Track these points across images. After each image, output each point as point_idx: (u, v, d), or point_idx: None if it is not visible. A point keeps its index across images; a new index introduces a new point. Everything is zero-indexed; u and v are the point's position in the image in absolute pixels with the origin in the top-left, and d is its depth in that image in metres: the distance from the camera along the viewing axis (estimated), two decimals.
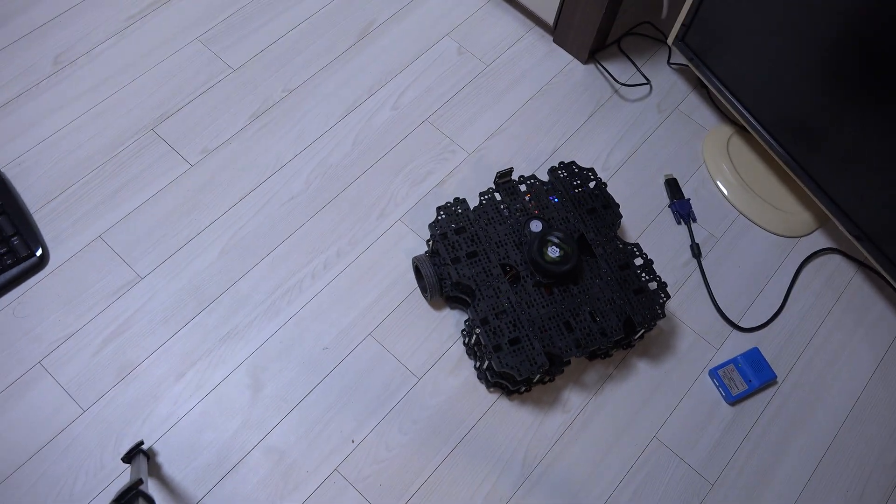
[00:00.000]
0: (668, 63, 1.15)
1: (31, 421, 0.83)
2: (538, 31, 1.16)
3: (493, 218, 0.86)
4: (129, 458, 0.79)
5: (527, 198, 0.88)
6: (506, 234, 0.85)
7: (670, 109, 1.11)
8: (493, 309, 0.81)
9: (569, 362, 0.88)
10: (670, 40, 1.03)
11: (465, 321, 0.89)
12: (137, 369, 0.86)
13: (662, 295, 0.84)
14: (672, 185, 1.03)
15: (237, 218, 0.97)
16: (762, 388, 0.92)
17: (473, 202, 0.99)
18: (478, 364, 0.89)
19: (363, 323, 0.91)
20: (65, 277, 0.91)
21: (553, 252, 0.81)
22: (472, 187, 1.01)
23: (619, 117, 1.09)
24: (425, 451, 0.85)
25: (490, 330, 0.79)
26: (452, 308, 0.93)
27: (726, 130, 1.09)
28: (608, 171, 1.05)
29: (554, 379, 0.90)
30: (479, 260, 0.83)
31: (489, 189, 0.88)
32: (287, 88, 1.07)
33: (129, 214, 0.96)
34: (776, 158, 0.97)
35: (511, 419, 0.88)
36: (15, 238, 0.91)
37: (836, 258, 1.02)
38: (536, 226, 0.85)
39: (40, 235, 0.93)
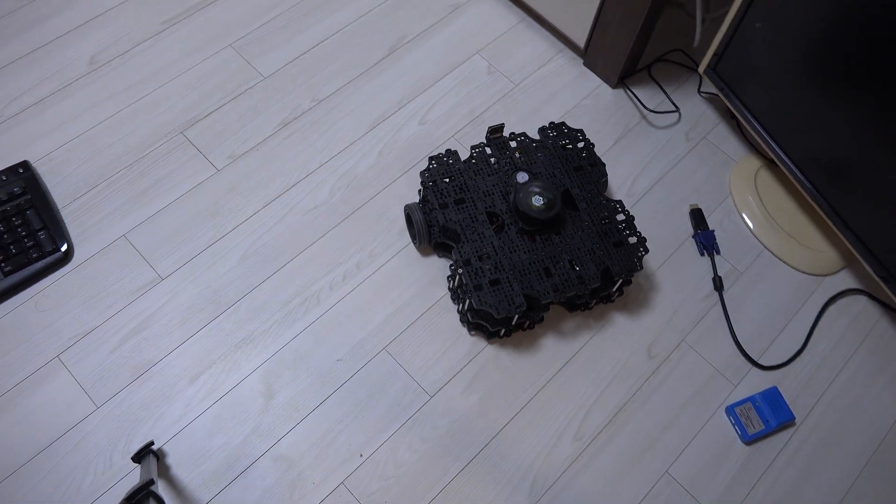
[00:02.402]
0: (699, 91, 1.14)
1: (44, 414, 0.83)
2: (568, 53, 1.16)
3: (481, 169, 0.91)
4: (138, 457, 0.79)
5: (517, 154, 0.92)
6: (493, 185, 0.90)
7: (698, 138, 1.10)
8: (477, 252, 0.85)
9: (547, 308, 0.88)
10: (701, 69, 1.03)
11: (451, 265, 0.91)
12: (153, 369, 0.87)
13: (641, 249, 0.88)
14: (697, 216, 1.02)
15: (260, 224, 0.97)
16: (779, 428, 0.90)
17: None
18: (460, 307, 0.91)
19: (378, 337, 0.91)
20: (88, 274, 0.92)
21: (537, 201, 0.85)
22: None
23: (647, 143, 1.09)
24: (434, 471, 0.84)
25: (472, 270, 0.84)
26: (440, 256, 0.96)
27: (755, 163, 1.08)
28: (633, 197, 1.04)
29: (534, 326, 0.92)
30: (466, 206, 0.88)
31: (480, 143, 0.93)
32: (316, 98, 1.07)
33: (154, 215, 0.97)
34: (804, 194, 0.96)
35: (522, 443, 0.87)
36: (42, 232, 0.92)
37: (862, 299, 1.00)
38: (523, 177, 0.90)
39: (66, 231, 0.94)
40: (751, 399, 0.90)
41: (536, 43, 1.16)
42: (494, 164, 0.91)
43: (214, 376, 0.87)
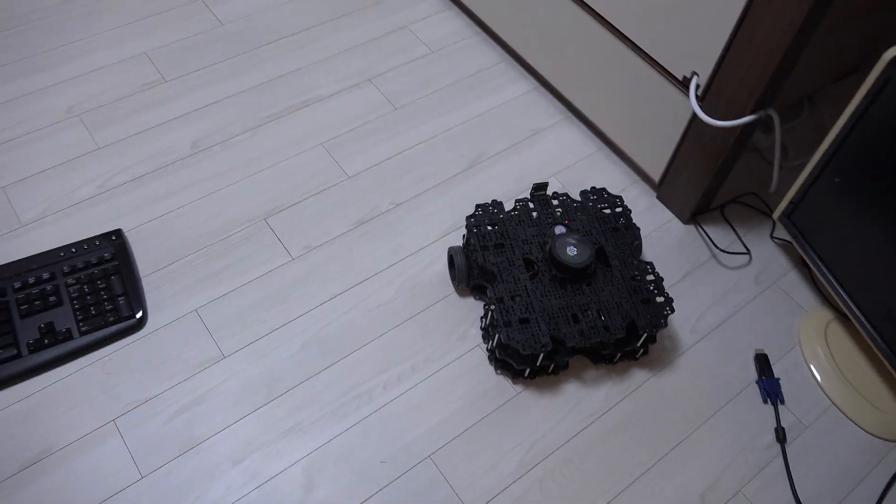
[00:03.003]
0: (772, 236, 1.14)
1: (92, 477, 0.85)
2: (642, 185, 1.18)
3: (523, 220, 0.98)
4: None
5: (557, 211, 1.00)
6: (532, 235, 0.97)
7: (768, 283, 1.09)
8: (510, 292, 0.91)
9: (572, 354, 0.93)
10: (776, 215, 1.03)
11: (484, 305, 0.97)
12: (201, 445, 0.88)
13: (668, 309, 0.92)
14: (762, 361, 1.00)
15: (324, 316, 1.00)
16: None
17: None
18: (489, 345, 0.96)
19: (425, 443, 0.90)
20: (156, 343, 0.95)
21: (571, 250, 0.92)
22: None
23: (715, 282, 1.08)
24: None
25: (504, 308, 0.90)
26: (476, 299, 1.02)
27: (826, 315, 1.05)
28: (697, 335, 1.03)
29: (558, 372, 0.96)
30: (505, 251, 0.95)
31: (524, 198, 1.00)
32: (394, 202, 1.12)
33: (226, 294, 1.00)
34: (878, 353, 0.93)
35: None
36: (122, 298, 0.97)
37: None
38: (560, 230, 0.97)
39: (144, 299, 0.98)
40: None
41: (612, 172, 1.19)
42: (535, 217, 0.99)
43: (258, 462, 0.87)
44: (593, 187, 1.03)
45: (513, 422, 0.93)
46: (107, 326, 0.95)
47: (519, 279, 0.92)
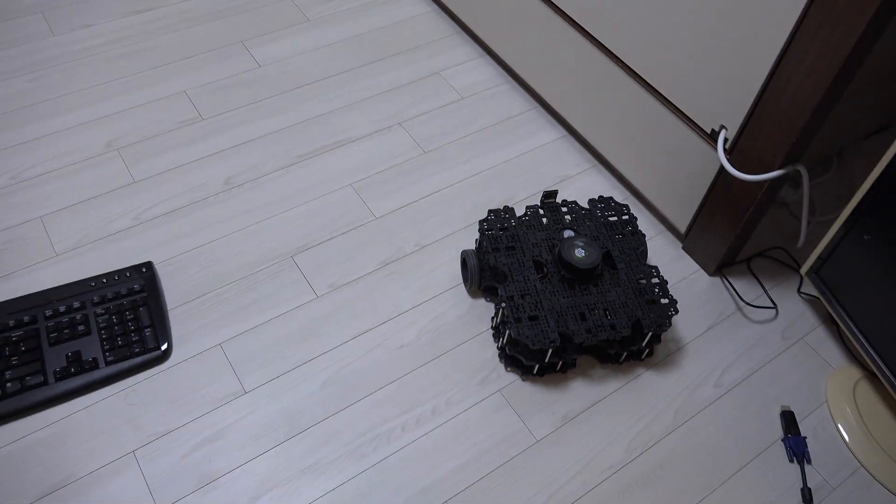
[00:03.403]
0: (799, 292, 1.13)
1: None
2: (668, 235, 1.18)
3: (533, 225, 1.03)
4: None
5: (566, 217, 1.05)
6: (542, 239, 1.02)
7: (795, 339, 1.08)
8: (520, 291, 0.95)
9: (580, 352, 0.98)
10: (804, 270, 1.02)
11: (495, 305, 1.01)
12: (218, 481, 0.88)
13: (672, 310, 0.96)
14: (788, 419, 0.98)
15: (346, 354, 1.00)
16: None
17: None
18: (500, 342, 0.99)
19: (442, 488, 0.89)
20: (179, 375, 0.96)
21: (579, 252, 0.96)
22: (583, 375, 1.01)
23: (740, 336, 1.07)
24: None
25: (514, 305, 0.94)
26: (487, 301, 1.07)
27: (854, 373, 1.03)
28: (720, 389, 1.01)
29: (566, 370, 1.00)
30: (516, 253, 0.99)
31: (535, 205, 1.06)
32: (420, 244, 1.13)
33: (250, 329, 1.01)
34: None
35: None
36: (148, 329, 0.98)
37: None
38: (569, 234, 1.02)
39: (170, 332, 1.00)
40: None
41: (638, 221, 1.19)
42: (545, 223, 1.04)
43: (275, 500, 0.87)
44: (601, 196, 1.08)
45: (531, 471, 0.92)
46: (132, 357, 0.96)
47: (529, 279, 0.97)
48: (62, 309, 0.98)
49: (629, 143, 1.17)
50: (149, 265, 1.05)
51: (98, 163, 1.19)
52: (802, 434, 0.97)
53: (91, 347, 0.96)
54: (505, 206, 1.04)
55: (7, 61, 1.32)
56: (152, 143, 1.22)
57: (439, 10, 1.52)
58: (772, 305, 1.11)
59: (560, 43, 1.21)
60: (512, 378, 0.99)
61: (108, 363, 0.95)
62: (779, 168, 0.94)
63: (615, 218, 1.05)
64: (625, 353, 1.00)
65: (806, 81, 0.85)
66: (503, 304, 0.94)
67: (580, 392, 0.99)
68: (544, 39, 1.25)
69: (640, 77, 1.09)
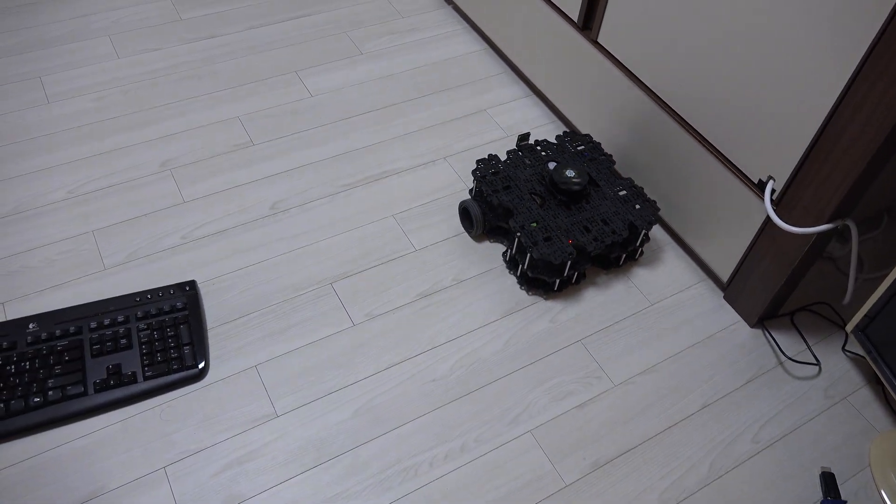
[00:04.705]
0: (843, 349, 1.10)
1: None
2: (709, 283, 1.17)
3: (518, 165, 1.17)
4: None
5: (542, 153, 1.19)
6: (530, 175, 1.16)
7: (838, 398, 1.04)
8: (529, 220, 1.09)
9: (589, 261, 1.10)
10: (849, 327, 1.00)
11: (505, 242, 1.16)
12: None
13: (655, 210, 1.12)
14: (828, 481, 0.95)
15: (379, 384, 1.00)
16: None
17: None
18: (517, 272, 1.13)
19: None
20: (213, 395, 0.98)
21: (570, 174, 1.11)
22: (615, 419, 0.99)
23: (780, 391, 1.04)
24: None
25: (528, 232, 1.07)
26: (492, 242, 1.18)
27: None
28: (758, 444, 0.98)
29: (579, 282, 1.14)
30: (513, 190, 1.13)
31: (513, 149, 1.19)
32: (458, 278, 1.14)
33: (286, 353, 1.03)
34: None
35: None
36: (187, 347, 1.00)
37: None
38: (553, 165, 1.16)
39: (208, 351, 1.01)
40: None
41: (679, 267, 1.18)
42: (528, 162, 1.17)
43: None
44: (565, 131, 1.25)
45: None
46: (170, 374, 0.98)
47: (531, 209, 1.10)
48: (107, 322, 1.00)
49: (674, 188, 1.16)
50: (192, 284, 1.07)
51: (151, 181, 1.23)
52: (843, 498, 0.94)
53: (131, 361, 0.98)
54: (489, 154, 1.17)
55: (72, 81, 1.38)
56: (204, 165, 1.26)
57: (490, 49, 1.55)
58: (815, 362, 1.08)
59: (606, 84, 1.22)
60: (546, 418, 0.98)
61: (146, 378, 0.97)
62: (827, 222, 0.93)
63: (582, 147, 1.21)
64: (623, 256, 1.15)
65: (859, 136, 0.84)
66: (518, 234, 1.07)
67: (612, 435, 0.97)
68: (591, 81, 1.26)
69: (687, 123, 1.09)
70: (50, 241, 1.13)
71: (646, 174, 1.21)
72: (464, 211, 1.17)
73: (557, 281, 1.10)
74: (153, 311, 1.02)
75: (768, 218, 1.00)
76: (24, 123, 1.30)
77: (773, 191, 0.98)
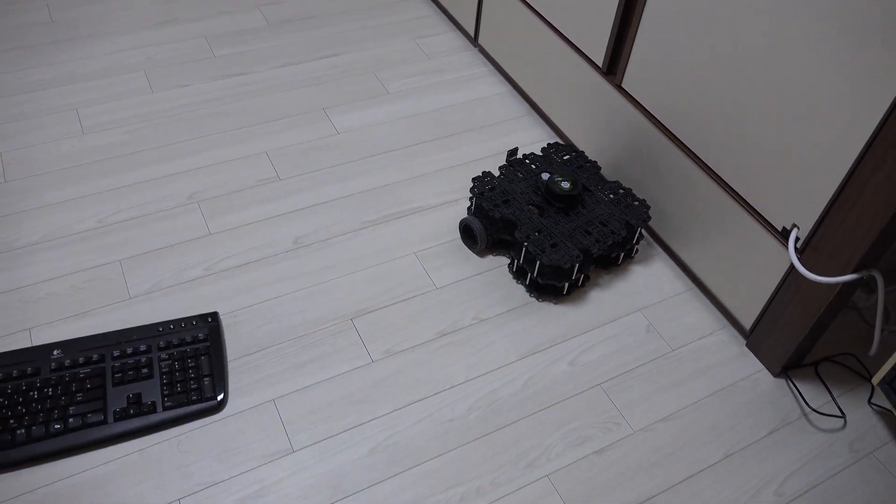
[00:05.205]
0: (869, 402, 1.08)
1: None
2: (731, 330, 1.15)
3: (512, 179, 1.22)
4: None
5: (532, 166, 1.25)
6: (525, 188, 1.21)
7: (865, 452, 1.02)
8: (532, 229, 1.13)
9: (592, 263, 1.15)
10: (875, 380, 0.98)
11: (510, 253, 1.19)
12: None
13: (647, 208, 1.18)
14: None
15: (396, 423, 1.00)
16: None
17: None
18: (526, 280, 1.17)
19: None
20: (231, 427, 0.98)
21: (564, 183, 1.16)
22: (635, 466, 0.97)
23: (804, 444, 1.02)
24: None
25: (534, 241, 1.12)
26: (496, 255, 1.22)
27: None
28: (781, 498, 0.96)
29: (585, 284, 1.19)
30: (512, 203, 1.18)
31: (504, 164, 1.24)
32: (478, 317, 1.14)
33: (304, 388, 1.03)
34: None
35: None
36: (207, 379, 1.01)
37: None
38: (546, 175, 1.20)
39: (227, 383, 1.02)
40: None
41: (701, 313, 1.17)
42: (520, 175, 1.23)
43: None
44: (549, 143, 1.33)
45: None
46: (189, 405, 0.98)
47: (533, 219, 1.15)
48: (129, 350, 1.01)
49: (697, 235, 1.16)
50: (214, 315, 1.08)
51: (178, 213, 1.25)
52: None
53: (151, 391, 0.99)
54: (483, 171, 1.22)
55: (107, 114, 1.42)
56: (231, 198, 1.28)
57: (514, 91, 1.57)
58: (840, 414, 1.06)
59: (629, 132, 1.23)
60: (563, 463, 0.97)
61: (165, 408, 0.97)
62: (852, 272, 0.92)
63: (568, 156, 1.27)
64: (622, 255, 1.21)
65: (884, 185, 0.84)
66: (525, 244, 1.11)
67: (631, 483, 0.96)
68: (614, 125, 1.27)
69: (711, 170, 1.09)
70: (78, 270, 1.15)
71: (665, 217, 1.21)
72: (465, 228, 1.22)
73: (566, 284, 1.14)
74: (175, 342, 1.03)
75: (792, 266, 0.99)
76: (58, 154, 1.33)
77: (797, 238, 0.98)
